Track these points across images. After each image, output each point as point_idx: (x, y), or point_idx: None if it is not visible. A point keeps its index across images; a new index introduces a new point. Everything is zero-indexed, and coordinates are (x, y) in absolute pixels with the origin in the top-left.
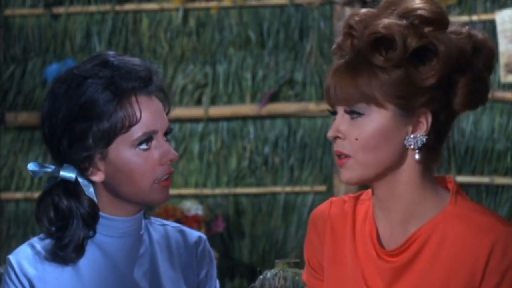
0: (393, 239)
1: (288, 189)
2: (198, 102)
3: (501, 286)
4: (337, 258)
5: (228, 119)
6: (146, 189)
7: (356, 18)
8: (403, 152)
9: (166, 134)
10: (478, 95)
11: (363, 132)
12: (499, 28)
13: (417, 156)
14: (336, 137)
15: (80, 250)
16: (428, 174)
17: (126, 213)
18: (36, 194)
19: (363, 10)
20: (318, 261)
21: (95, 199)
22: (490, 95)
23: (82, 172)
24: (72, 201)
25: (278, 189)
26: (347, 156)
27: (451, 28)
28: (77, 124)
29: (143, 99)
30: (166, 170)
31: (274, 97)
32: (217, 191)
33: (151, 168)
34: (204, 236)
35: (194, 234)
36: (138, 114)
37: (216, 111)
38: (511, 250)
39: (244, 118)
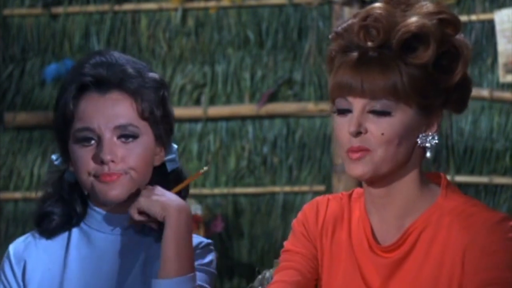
0: (388, 235)
1: (287, 189)
2: (197, 102)
3: (481, 263)
4: (333, 254)
5: (227, 119)
6: (88, 184)
7: (380, 12)
8: (413, 150)
9: (124, 136)
10: (466, 100)
11: (390, 128)
12: (498, 28)
13: (428, 154)
14: (358, 133)
15: (59, 221)
16: (421, 171)
17: (117, 210)
18: (35, 194)
19: (381, 5)
20: (313, 241)
21: (72, 181)
22: (489, 95)
23: (64, 158)
24: (59, 182)
25: (277, 189)
26: (366, 150)
27: None
28: (53, 117)
29: (90, 96)
30: (100, 170)
31: (273, 97)
32: (216, 191)
33: (85, 164)
34: (206, 241)
35: (196, 239)
36: (72, 110)
37: (215, 111)
38: (495, 233)
39: (243, 118)
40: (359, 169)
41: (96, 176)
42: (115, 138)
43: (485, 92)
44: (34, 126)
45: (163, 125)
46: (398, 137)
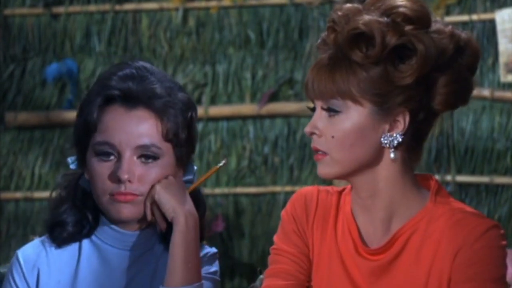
0: (375, 237)
1: (287, 188)
2: (198, 101)
3: (469, 272)
4: (321, 252)
5: (227, 118)
6: (103, 201)
7: (339, 13)
8: (380, 150)
9: (145, 156)
10: (458, 95)
11: (340, 129)
12: (499, 27)
13: (392, 155)
14: (312, 133)
15: (72, 231)
16: (408, 173)
17: (130, 227)
18: (36, 194)
19: (347, 5)
20: (304, 237)
21: (86, 188)
22: (490, 95)
23: (81, 164)
24: (73, 186)
25: (277, 188)
26: (323, 153)
27: (434, 27)
28: (75, 123)
29: (116, 110)
30: (117, 188)
31: (274, 97)
32: (217, 190)
33: (102, 180)
34: (212, 251)
35: (203, 251)
36: (95, 121)
37: (215, 110)
38: (483, 240)
39: (244, 118)
40: (322, 170)
41: (111, 194)
42: (135, 157)
43: (486, 92)
44: (35, 126)
45: (186, 147)
46: (350, 138)
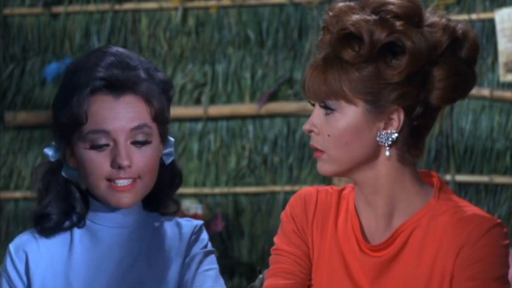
0: (377, 233)
1: (287, 188)
2: (197, 101)
3: (470, 271)
4: (320, 251)
5: (227, 118)
6: (100, 188)
7: (330, 14)
8: (377, 147)
9: (138, 142)
10: (456, 89)
11: (335, 128)
12: (498, 27)
13: (387, 153)
14: (310, 131)
15: (58, 220)
16: (409, 169)
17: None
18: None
19: (339, 5)
20: (303, 237)
21: (70, 178)
22: (489, 94)
23: (64, 154)
24: (52, 177)
25: (277, 188)
26: (321, 151)
27: (428, 21)
28: (53, 111)
29: (104, 99)
30: (117, 174)
31: (273, 97)
32: (216, 190)
33: (100, 168)
34: (197, 223)
35: (189, 225)
36: (86, 112)
37: (215, 110)
38: (486, 238)
39: (243, 118)
40: (321, 167)
41: (109, 180)
42: (129, 142)
43: (485, 92)
44: (34, 125)
45: (167, 124)
46: (345, 137)
